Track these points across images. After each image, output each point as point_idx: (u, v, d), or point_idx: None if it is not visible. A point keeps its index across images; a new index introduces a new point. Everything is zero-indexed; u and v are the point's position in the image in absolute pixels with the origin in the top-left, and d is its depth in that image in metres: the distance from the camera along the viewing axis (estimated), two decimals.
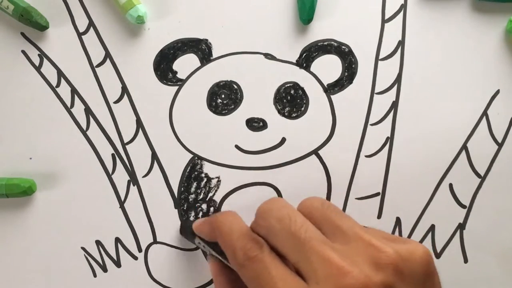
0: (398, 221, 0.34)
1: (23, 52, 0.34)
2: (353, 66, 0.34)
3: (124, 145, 0.34)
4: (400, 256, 0.23)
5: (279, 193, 0.34)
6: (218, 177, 0.34)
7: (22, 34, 0.34)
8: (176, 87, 0.34)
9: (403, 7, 0.34)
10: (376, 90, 0.34)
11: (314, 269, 0.22)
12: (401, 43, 0.34)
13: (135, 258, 0.35)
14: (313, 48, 0.34)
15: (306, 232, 0.24)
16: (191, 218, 0.34)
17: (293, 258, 0.24)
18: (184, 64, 0.34)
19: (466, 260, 0.35)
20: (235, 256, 0.25)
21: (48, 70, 0.34)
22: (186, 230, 0.33)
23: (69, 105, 0.34)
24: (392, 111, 0.34)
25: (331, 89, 0.34)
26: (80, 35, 0.34)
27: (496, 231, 0.35)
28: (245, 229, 0.26)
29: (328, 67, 0.34)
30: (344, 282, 0.21)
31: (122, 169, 0.34)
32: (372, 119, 0.34)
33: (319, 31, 0.34)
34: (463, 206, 0.35)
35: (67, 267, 0.34)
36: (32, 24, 0.33)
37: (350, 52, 0.34)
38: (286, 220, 0.24)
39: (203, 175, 0.34)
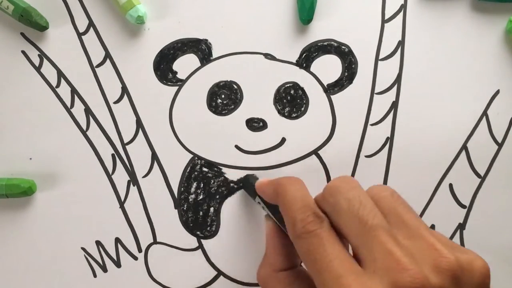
0: None
1: (23, 52, 0.34)
2: (353, 66, 0.34)
3: (124, 145, 0.34)
4: (461, 264, 0.22)
5: None
6: (218, 177, 0.34)
7: (22, 34, 0.34)
8: (176, 87, 0.34)
9: (403, 7, 0.34)
10: (376, 90, 0.34)
11: (374, 258, 0.22)
12: (401, 43, 0.34)
13: (135, 258, 0.35)
14: (313, 48, 0.34)
15: (373, 218, 0.23)
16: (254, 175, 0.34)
17: (355, 242, 0.23)
18: (184, 64, 0.34)
19: None
20: (294, 227, 0.25)
21: (48, 70, 0.34)
22: (249, 186, 0.33)
23: (69, 105, 0.34)
24: (392, 111, 0.34)
25: (331, 89, 0.34)
26: (80, 35, 0.34)
27: (496, 231, 0.35)
28: (309, 200, 0.26)
29: (328, 67, 0.34)
30: (402, 277, 0.21)
31: (122, 169, 0.34)
32: (372, 119, 0.34)
33: (319, 31, 0.34)
34: (463, 206, 0.35)
35: (67, 267, 0.34)
36: (32, 25, 0.33)
37: (350, 52, 0.34)
38: (355, 202, 0.24)
39: (203, 175, 0.34)
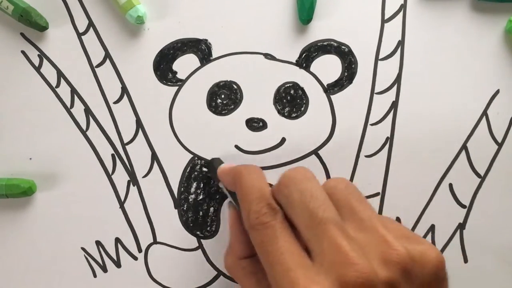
0: (398, 221, 0.34)
1: (23, 52, 0.34)
2: (353, 66, 0.34)
3: (124, 145, 0.34)
4: (411, 256, 0.22)
5: None
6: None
7: (22, 34, 0.34)
8: (176, 87, 0.34)
9: (403, 7, 0.34)
10: (376, 90, 0.34)
11: (323, 251, 0.22)
12: (400, 43, 0.34)
13: (135, 258, 0.35)
14: (313, 48, 0.34)
15: (324, 212, 0.23)
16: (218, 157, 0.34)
17: (305, 234, 0.23)
18: (184, 64, 0.34)
19: (466, 260, 0.35)
20: (249, 217, 0.25)
21: (47, 70, 0.34)
22: (213, 171, 0.33)
23: (69, 105, 0.34)
24: (392, 111, 0.34)
25: (331, 89, 0.34)
26: (79, 35, 0.34)
27: (496, 231, 0.35)
28: (264, 191, 0.26)
29: (328, 67, 0.34)
30: (349, 272, 0.21)
31: (122, 169, 0.34)
32: (372, 119, 0.34)
33: (319, 31, 0.34)
34: (463, 206, 0.35)
35: (67, 268, 0.34)
36: (31, 25, 0.33)
37: (350, 52, 0.34)
38: (307, 194, 0.24)
39: (203, 175, 0.34)
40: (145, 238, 0.35)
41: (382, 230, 0.23)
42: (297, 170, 0.26)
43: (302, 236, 0.24)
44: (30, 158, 0.34)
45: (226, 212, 0.34)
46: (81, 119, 0.34)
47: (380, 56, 0.34)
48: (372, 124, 0.34)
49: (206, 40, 0.34)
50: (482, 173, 0.35)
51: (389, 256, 0.22)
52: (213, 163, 0.33)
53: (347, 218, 0.24)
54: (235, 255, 0.29)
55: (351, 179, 0.34)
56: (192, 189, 0.34)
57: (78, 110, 0.34)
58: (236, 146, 0.34)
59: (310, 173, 0.26)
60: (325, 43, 0.34)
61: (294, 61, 0.34)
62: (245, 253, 0.28)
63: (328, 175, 0.34)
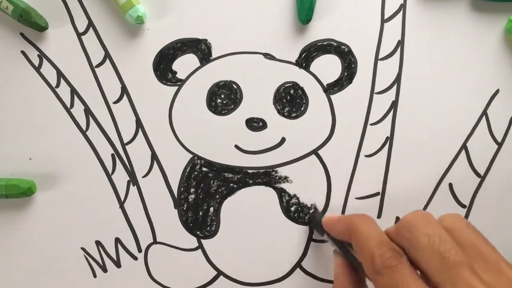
0: (398, 221, 0.34)
1: (23, 52, 0.34)
2: (353, 66, 0.34)
3: (123, 145, 0.34)
4: None
5: (279, 194, 0.34)
6: (218, 177, 0.34)
7: (22, 34, 0.34)
8: (176, 87, 0.34)
9: (403, 6, 0.34)
10: (376, 90, 0.34)
11: None
12: (400, 43, 0.34)
13: (135, 258, 0.35)
14: (313, 48, 0.34)
15: (455, 255, 0.23)
16: (320, 211, 0.34)
17: (436, 278, 0.23)
18: (184, 64, 0.34)
19: None
20: (373, 263, 0.25)
21: (47, 70, 0.34)
22: (315, 223, 0.33)
23: (68, 105, 0.34)
24: (392, 110, 0.34)
25: (331, 89, 0.34)
26: (79, 35, 0.34)
27: (496, 231, 0.34)
28: (383, 236, 0.26)
29: (328, 67, 0.34)
30: None
31: (122, 169, 0.34)
32: (372, 119, 0.34)
33: (318, 31, 0.34)
34: (463, 206, 0.35)
35: (67, 268, 0.34)
36: (31, 25, 0.33)
37: (350, 52, 0.34)
38: (435, 239, 0.24)
39: (203, 175, 0.34)
40: (145, 238, 0.35)
41: (509, 272, 0.23)
42: (416, 214, 0.26)
43: (432, 280, 0.23)
44: (30, 158, 0.34)
45: (225, 212, 0.34)
46: (81, 119, 0.34)
47: (380, 56, 0.34)
48: (372, 124, 0.34)
49: (206, 40, 0.34)
50: (482, 172, 0.34)
51: None
52: (315, 216, 0.33)
53: (473, 259, 0.24)
54: None
55: (351, 179, 0.34)
56: (192, 189, 0.34)
57: (78, 110, 0.34)
58: (236, 146, 0.34)
59: (430, 216, 0.26)
60: (324, 43, 0.34)
61: (294, 61, 0.34)
62: None
63: (328, 175, 0.34)
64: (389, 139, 0.34)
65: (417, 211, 0.26)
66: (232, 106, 0.34)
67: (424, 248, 0.24)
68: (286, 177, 0.34)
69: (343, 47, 0.34)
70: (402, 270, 0.24)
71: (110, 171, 0.34)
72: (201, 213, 0.34)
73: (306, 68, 0.34)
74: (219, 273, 0.35)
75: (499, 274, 0.23)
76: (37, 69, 0.34)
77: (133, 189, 0.34)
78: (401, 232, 0.25)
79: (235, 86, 0.34)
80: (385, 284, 0.24)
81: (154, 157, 0.34)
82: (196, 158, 0.34)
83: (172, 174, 0.34)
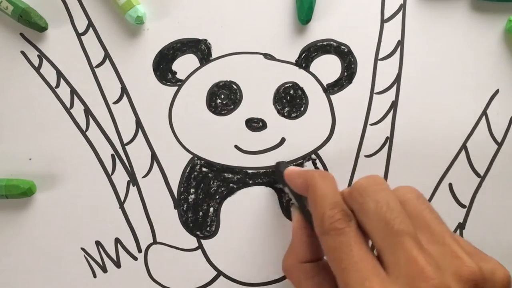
0: None
1: (23, 52, 0.34)
2: (353, 66, 0.34)
3: (123, 145, 0.34)
4: (483, 274, 0.22)
5: (279, 194, 0.34)
6: (218, 178, 0.34)
7: (22, 34, 0.34)
8: (176, 88, 0.34)
9: (402, 7, 0.34)
10: (376, 90, 0.34)
11: (398, 263, 0.22)
12: (400, 43, 0.34)
13: (135, 258, 0.35)
14: (313, 48, 0.34)
15: (400, 224, 0.23)
16: (285, 161, 0.34)
17: (379, 245, 0.23)
18: (184, 64, 0.34)
19: None
20: (322, 223, 0.25)
21: (47, 70, 0.34)
22: (279, 172, 0.33)
23: (68, 105, 0.34)
24: (392, 111, 0.34)
25: (331, 89, 0.34)
26: (79, 35, 0.34)
27: (496, 231, 0.35)
28: (338, 198, 0.26)
29: (328, 67, 0.34)
30: (424, 285, 0.21)
31: (122, 170, 0.34)
32: (372, 119, 0.34)
33: (318, 31, 0.34)
34: (463, 206, 0.35)
35: (67, 268, 0.34)
36: (31, 25, 0.33)
37: (350, 52, 0.34)
38: (383, 205, 0.24)
39: (202, 175, 0.34)
40: (145, 238, 0.35)
41: (454, 245, 0.23)
42: (370, 179, 0.26)
43: (376, 246, 0.24)
44: (30, 159, 0.34)
45: (225, 212, 0.34)
46: (81, 119, 0.34)
47: (380, 56, 0.34)
48: (371, 124, 0.34)
49: (206, 40, 0.34)
50: (482, 173, 0.34)
51: (463, 272, 0.22)
52: (279, 166, 0.33)
53: (419, 230, 0.24)
54: (296, 258, 0.29)
55: (351, 179, 0.34)
56: (192, 189, 0.34)
57: (78, 110, 0.34)
58: (236, 146, 0.34)
59: (383, 182, 0.26)
60: (324, 43, 0.34)
61: (294, 61, 0.34)
62: (308, 257, 0.28)
63: None
64: (389, 139, 0.34)
65: (372, 175, 0.26)
66: (232, 106, 0.34)
67: (371, 213, 0.24)
68: None
69: (343, 47, 0.34)
70: (348, 233, 0.24)
71: (110, 171, 0.34)
72: (201, 213, 0.34)
73: (306, 68, 0.34)
74: (219, 273, 0.35)
75: (442, 245, 0.23)
76: (37, 69, 0.34)
77: (133, 189, 0.34)
78: (353, 194, 0.25)
79: (235, 86, 0.34)
80: (330, 245, 0.24)
81: (154, 157, 0.34)
82: (196, 158, 0.34)
83: (172, 174, 0.34)
